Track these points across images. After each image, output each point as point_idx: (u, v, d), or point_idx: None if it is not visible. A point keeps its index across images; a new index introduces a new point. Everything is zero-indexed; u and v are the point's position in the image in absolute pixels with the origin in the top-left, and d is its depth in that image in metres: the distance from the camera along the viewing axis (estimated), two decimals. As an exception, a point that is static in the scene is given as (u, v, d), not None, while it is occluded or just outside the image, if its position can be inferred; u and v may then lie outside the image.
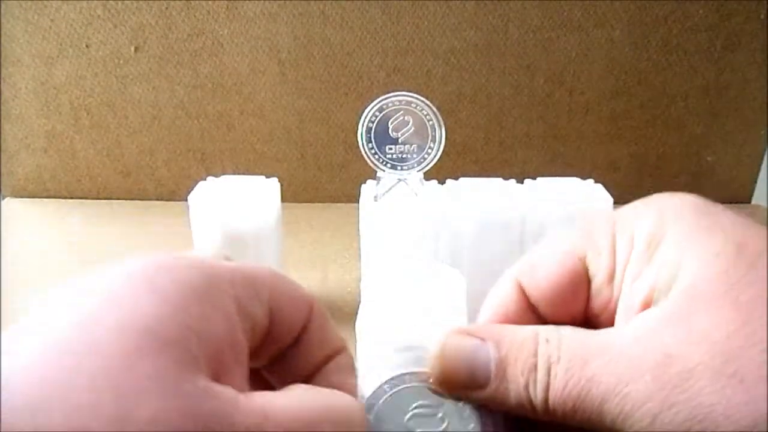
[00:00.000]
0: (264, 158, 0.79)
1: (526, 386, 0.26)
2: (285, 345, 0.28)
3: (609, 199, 0.52)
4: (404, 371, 0.30)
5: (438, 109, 0.49)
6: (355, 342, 0.41)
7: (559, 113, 0.77)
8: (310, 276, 0.64)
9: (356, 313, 0.41)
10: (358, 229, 0.53)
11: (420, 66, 0.74)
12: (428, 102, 0.48)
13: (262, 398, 0.23)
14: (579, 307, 0.30)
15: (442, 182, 0.55)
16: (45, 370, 0.20)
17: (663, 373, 0.23)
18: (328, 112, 0.76)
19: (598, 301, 0.29)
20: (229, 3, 0.71)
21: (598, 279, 0.29)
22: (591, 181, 0.55)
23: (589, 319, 0.30)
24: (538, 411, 0.26)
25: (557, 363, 0.26)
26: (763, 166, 0.79)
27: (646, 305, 0.26)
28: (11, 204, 0.80)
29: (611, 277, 0.28)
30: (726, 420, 0.22)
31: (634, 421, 0.24)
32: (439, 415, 0.29)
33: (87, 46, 0.73)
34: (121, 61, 0.74)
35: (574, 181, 0.55)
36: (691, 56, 0.74)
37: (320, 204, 0.81)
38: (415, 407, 0.29)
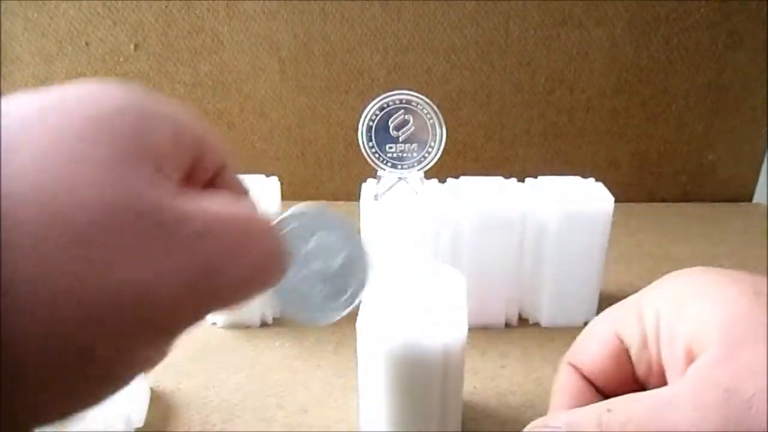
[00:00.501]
0: (264, 156, 0.79)
1: None
2: (200, 183, 0.28)
3: (610, 198, 0.51)
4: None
5: (438, 107, 0.48)
6: (355, 341, 0.41)
7: (560, 111, 0.77)
8: (310, 275, 0.64)
9: (356, 313, 0.41)
10: (359, 228, 0.53)
11: (420, 64, 0.74)
12: (429, 101, 0.48)
13: (199, 197, 0.23)
14: (627, 375, 0.33)
15: (442, 181, 0.55)
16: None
17: (726, 407, 0.26)
18: (328, 110, 0.76)
19: (641, 367, 0.32)
20: (228, 1, 0.71)
21: (634, 347, 0.32)
22: (592, 179, 0.55)
23: (642, 385, 0.33)
24: None
25: (626, 424, 0.28)
26: (764, 164, 0.79)
27: (690, 357, 0.29)
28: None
29: (645, 342, 0.32)
30: None
31: None
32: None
33: (87, 44, 0.73)
34: (121, 59, 0.74)
35: (574, 180, 0.55)
36: (692, 54, 0.73)
37: (320, 202, 0.80)
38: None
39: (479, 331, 0.55)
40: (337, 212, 0.30)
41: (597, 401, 0.32)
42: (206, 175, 0.27)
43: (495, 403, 0.47)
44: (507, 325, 0.56)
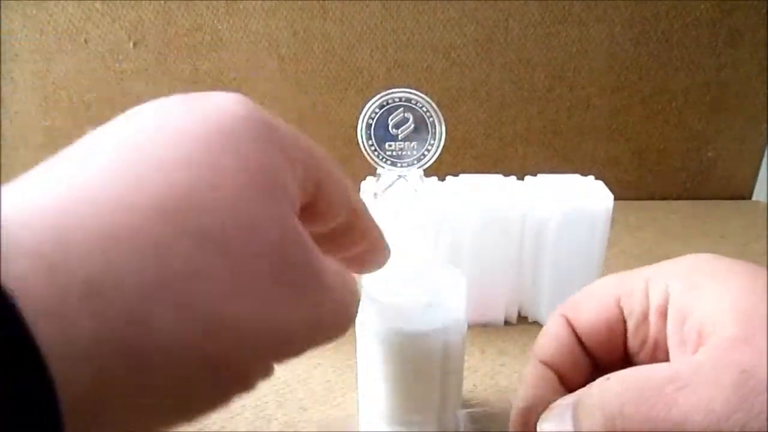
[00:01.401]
0: (263, 154, 0.79)
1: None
2: (325, 229, 0.29)
3: (609, 196, 0.51)
4: None
5: (438, 104, 0.48)
6: (355, 339, 0.41)
7: (560, 109, 0.77)
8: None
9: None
10: (358, 226, 0.53)
11: (420, 61, 0.74)
12: (428, 98, 0.48)
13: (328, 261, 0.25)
14: (617, 345, 0.33)
15: (442, 179, 0.55)
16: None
17: (743, 387, 0.26)
18: (327, 107, 0.76)
19: (634, 341, 0.32)
20: (228, -2, 0.71)
21: (633, 320, 0.32)
22: (591, 177, 0.55)
23: (629, 357, 0.33)
24: None
25: (622, 394, 0.28)
26: (764, 162, 0.79)
27: (701, 338, 0.29)
28: (10, 200, 0.80)
29: (645, 317, 0.31)
30: None
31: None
32: None
33: (86, 42, 0.73)
34: (120, 57, 0.74)
35: (574, 178, 0.55)
36: (692, 52, 0.73)
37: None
38: None
39: (479, 328, 0.55)
40: None
41: (583, 358, 0.33)
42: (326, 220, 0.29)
43: (494, 401, 0.47)
44: (506, 322, 0.56)
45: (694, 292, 0.30)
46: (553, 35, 0.73)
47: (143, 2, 0.71)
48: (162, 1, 0.71)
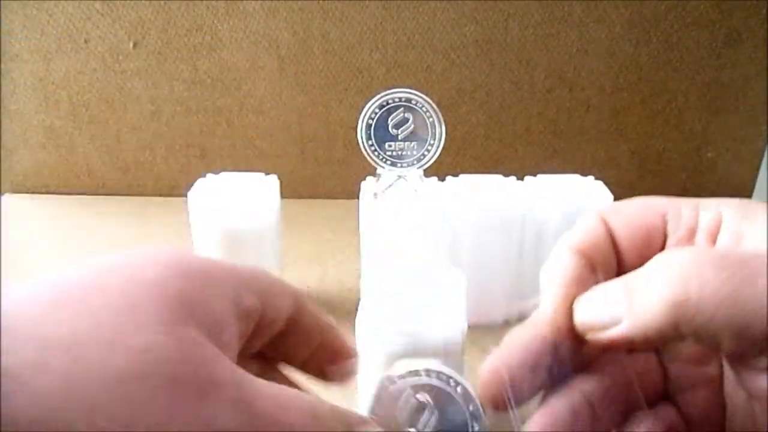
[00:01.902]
0: (263, 154, 0.79)
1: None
2: (275, 332, 0.31)
3: (609, 196, 0.52)
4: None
5: (438, 105, 0.48)
6: (355, 340, 0.41)
7: (560, 109, 0.77)
8: (309, 272, 0.64)
9: (356, 311, 0.41)
10: (358, 226, 0.53)
11: (420, 62, 0.74)
12: (428, 99, 0.48)
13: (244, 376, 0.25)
14: (650, 255, 0.29)
15: (441, 179, 0.55)
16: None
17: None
18: (327, 107, 0.76)
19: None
20: (228, -2, 0.71)
21: (676, 235, 0.31)
22: (591, 178, 0.55)
23: None
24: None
25: (699, 260, 0.27)
26: (764, 162, 0.79)
27: None
28: (10, 200, 0.80)
29: (691, 235, 0.31)
30: None
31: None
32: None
33: (86, 42, 0.73)
34: (120, 57, 0.74)
35: (574, 178, 0.55)
36: (692, 52, 0.73)
37: (320, 200, 0.80)
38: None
39: (479, 329, 0.55)
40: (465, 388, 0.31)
41: (612, 259, 0.32)
42: (275, 326, 0.31)
43: (494, 401, 0.47)
44: (506, 323, 0.56)
45: (747, 221, 0.29)
46: (553, 36, 0.73)
47: (143, 3, 0.71)
48: (162, 2, 0.71)
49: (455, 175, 0.55)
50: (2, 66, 0.74)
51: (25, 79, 0.74)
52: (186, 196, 0.52)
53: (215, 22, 0.72)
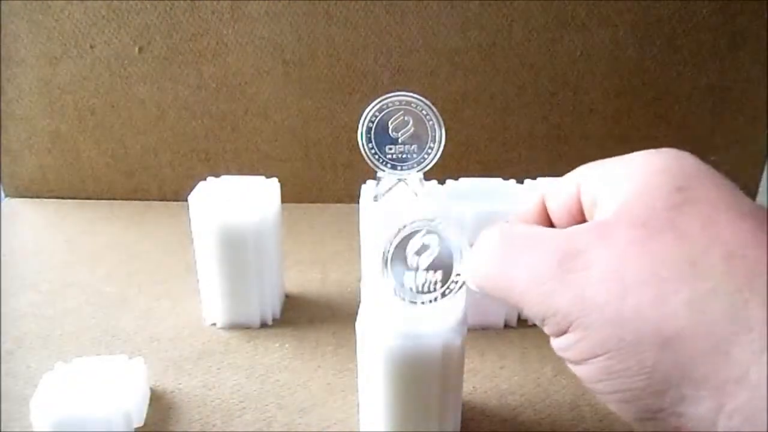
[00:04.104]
0: (268, 158, 0.79)
1: None
2: None
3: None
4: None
5: (441, 109, 0.48)
6: (355, 342, 0.41)
7: (563, 113, 0.77)
8: (310, 276, 0.64)
9: (356, 313, 0.41)
10: (359, 229, 0.53)
11: (424, 66, 0.74)
12: (428, 102, 0.48)
13: None
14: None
15: (441, 182, 0.55)
16: None
17: (568, 261, 0.28)
18: (332, 112, 0.76)
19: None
20: (233, 3, 0.71)
21: (586, 205, 0.33)
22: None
23: None
24: None
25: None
26: (767, 165, 0.79)
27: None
28: (15, 204, 0.80)
29: (594, 202, 0.32)
30: (598, 309, 0.26)
31: (533, 297, 0.29)
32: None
33: (91, 47, 0.73)
34: (125, 62, 0.74)
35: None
36: (695, 56, 0.73)
37: (321, 204, 0.81)
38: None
39: (478, 331, 0.55)
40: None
41: None
42: None
43: (494, 404, 0.47)
44: (506, 325, 0.56)
45: (606, 186, 0.31)
46: (557, 40, 0.73)
47: (148, 8, 0.71)
48: (167, 7, 0.71)
49: (456, 178, 0.55)
50: (8, 70, 0.74)
51: (30, 84, 0.75)
52: (187, 199, 0.53)
53: (220, 26, 0.72)
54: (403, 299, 0.36)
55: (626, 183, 0.29)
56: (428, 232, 0.37)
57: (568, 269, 0.27)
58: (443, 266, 0.36)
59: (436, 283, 0.36)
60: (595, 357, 0.27)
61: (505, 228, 0.33)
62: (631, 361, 0.25)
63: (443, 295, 0.36)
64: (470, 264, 0.34)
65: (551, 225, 0.35)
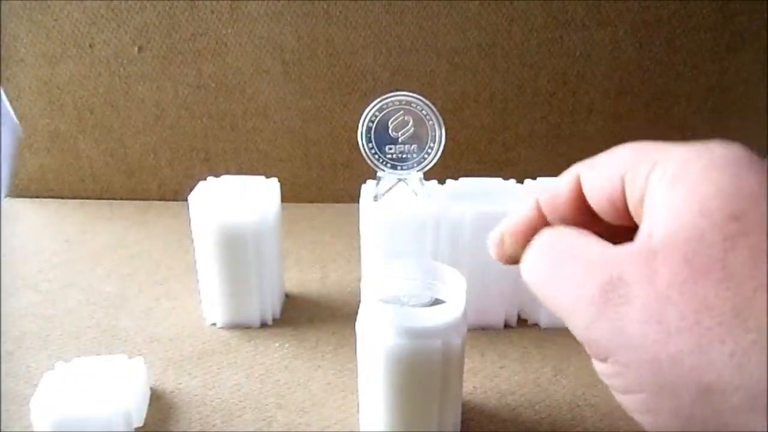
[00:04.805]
0: (267, 158, 0.79)
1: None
2: None
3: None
4: None
5: (441, 108, 0.48)
6: (355, 341, 0.41)
7: (563, 113, 0.77)
8: (310, 276, 0.64)
9: (356, 313, 0.41)
10: (359, 229, 0.53)
11: (424, 66, 0.74)
12: (428, 102, 0.48)
13: None
14: (623, 214, 0.32)
15: (441, 182, 0.55)
16: None
17: (610, 290, 0.27)
18: (331, 111, 0.76)
19: (636, 218, 0.31)
20: (232, 3, 0.71)
21: (632, 200, 0.31)
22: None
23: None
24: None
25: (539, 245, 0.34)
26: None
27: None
28: (14, 204, 0.80)
29: (641, 201, 0.30)
30: (637, 349, 0.26)
31: (577, 321, 0.29)
32: None
33: (90, 46, 0.73)
34: (125, 61, 0.74)
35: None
36: (695, 56, 0.73)
37: (321, 204, 0.81)
38: None
39: (478, 331, 0.55)
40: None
41: (590, 217, 0.34)
42: None
43: (494, 403, 0.47)
44: (506, 325, 0.56)
45: (673, 191, 0.28)
46: (557, 40, 0.73)
47: (148, 7, 0.71)
48: (166, 6, 0.71)
49: (456, 178, 0.55)
50: (7, 70, 0.74)
51: (30, 83, 0.75)
52: (187, 199, 0.52)
53: (219, 26, 0.72)
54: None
55: (680, 201, 0.27)
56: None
57: (608, 298, 0.27)
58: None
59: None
60: (631, 393, 0.27)
61: (555, 234, 0.33)
62: (668, 403, 0.25)
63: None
64: (523, 263, 0.34)
65: (585, 206, 0.34)
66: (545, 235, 0.33)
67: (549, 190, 0.36)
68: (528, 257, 0.34)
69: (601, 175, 0.33)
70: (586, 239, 0.31)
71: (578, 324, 0.28)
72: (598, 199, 0.33)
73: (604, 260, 0.28)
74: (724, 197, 0.26)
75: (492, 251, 0.37)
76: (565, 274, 0.30)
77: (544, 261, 0.32)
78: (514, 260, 0.36)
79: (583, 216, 0.34)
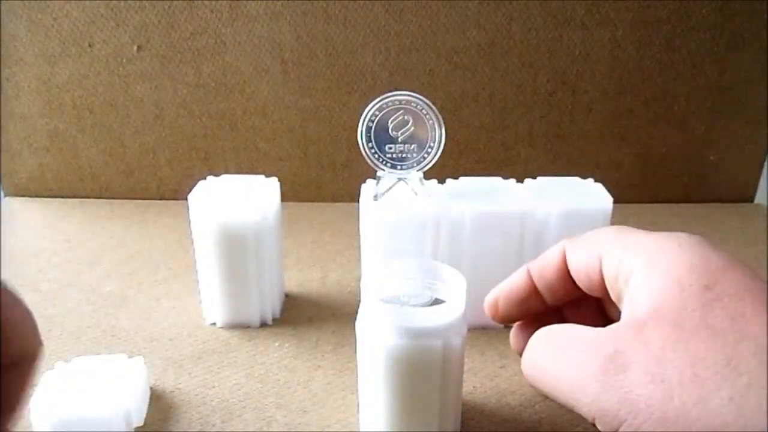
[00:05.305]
0: (267, 157, 0.79)
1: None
2: None
3: (609, 198, 0.51)
4: None
5: (441, 108, 0.48)
6: (355, 341, 0.41)
7: (562, 112, 0.77)
8: (310, 275, 0.64)
9: (356, 313, 0.41)
10: (359, 229, 0.53)
11: (423, 65, 0.74)
12: (428, 101, 0.48)
13: None
14: (596, 289, 0.38)
15: (441, 181, 0.55)
16: None
17: (609, 363, 0.30)
18: (330, 111, 0.76)
19: (610, 290, 0.36)
20: (231, 2, 0.71)
21: (607, 276, 0.36)
22: (591, 179, 0.55)
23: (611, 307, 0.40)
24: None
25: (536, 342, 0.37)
26: (765, 165, 0.79)
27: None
28: (13, 203, 0.80)
29: (615, 278, 0.35)
30: (646, 410, 0.28)
31: (582, 398, 0.31)
32: None
33: (90, 45, 0.73)
34: (124, 60, 0.74)
35: (573, 180, 0.55)
36: (694, 55, 0.73)
37: (320, 203, 0.81)
38: None
39: (479, 331, 0.55)
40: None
41: (572, 288, 0.40)
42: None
43: (494, 403, 0.47)
44: (506, 325, 0.56)
45: (650, 271, 0.33)
46: (556, 39, 0.73)
47: (147, 6, 0.71)
48: (165, 6, 0.71)
49: (456, 177, 0.55)
50: (6, 69, 0.74)
51: (29, 83, 0.75)
52: (187, 198, 0.52)
53: (219, 25, 0.72)
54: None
55: (659, 281, 0.32)
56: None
57: (609, 370, 0.29)
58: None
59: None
60: None
61: (549, 329, 0.36)
62: None
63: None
64: (523, 359, 0.38)
65: (568, 276, 0.40)
66: (540, 332, 0.37)
67: (539, 261, 0.41)
68: (527, 353, 0.37)
69: (582, 251, 0.38)
70: (578, 327, 0.34)
71: (585, 401, 0.30)
72: (578, 271, 0.38)
73: (599, 339, 0.31)
74: (697, 272, 0.31)
75: (487, 312, 0.44)
76: (565, 359, 0.33)
77: (543, 352, 0.35)
78: (507, 320, 0.44)
79: (566, 285, 0.40)
